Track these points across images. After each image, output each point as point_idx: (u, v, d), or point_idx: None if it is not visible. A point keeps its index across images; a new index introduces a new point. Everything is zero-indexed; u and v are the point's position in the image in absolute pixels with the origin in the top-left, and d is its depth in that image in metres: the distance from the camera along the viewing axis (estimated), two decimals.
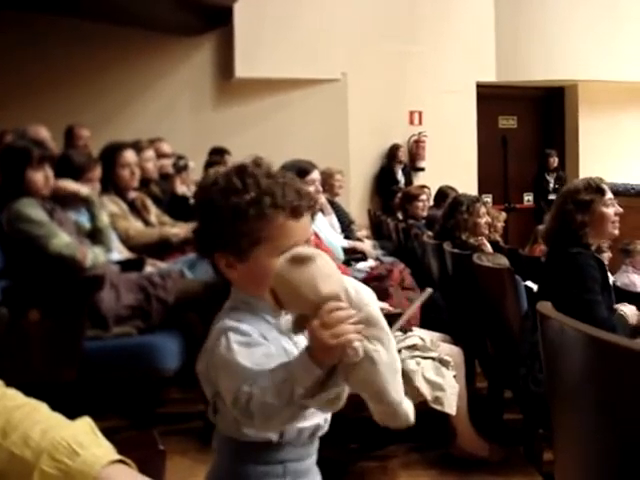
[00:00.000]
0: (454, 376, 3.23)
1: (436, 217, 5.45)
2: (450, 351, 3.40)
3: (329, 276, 1.27)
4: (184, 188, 5.64)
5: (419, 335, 3.29)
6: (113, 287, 3.44)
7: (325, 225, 5.42)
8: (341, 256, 4.82)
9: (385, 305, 2.91)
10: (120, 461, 1.03)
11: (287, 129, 9.21)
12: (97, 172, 4.01)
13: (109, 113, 8.67)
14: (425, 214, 6.68)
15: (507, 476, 3.21)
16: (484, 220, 4.84)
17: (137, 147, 4.72)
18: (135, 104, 9.07)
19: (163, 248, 4.38)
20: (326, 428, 1.49)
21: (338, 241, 5.41)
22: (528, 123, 11.32)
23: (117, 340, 3.38)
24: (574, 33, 10.12)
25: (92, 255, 3.50)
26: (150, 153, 5.16)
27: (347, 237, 6.23)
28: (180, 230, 4.51)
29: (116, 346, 3.37)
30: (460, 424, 3.33)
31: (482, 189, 10.04)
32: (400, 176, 9.99)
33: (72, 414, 1.11)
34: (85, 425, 1.06)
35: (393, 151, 10.02)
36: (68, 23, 8.59)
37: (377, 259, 5.32)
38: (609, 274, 3.30)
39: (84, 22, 8.63)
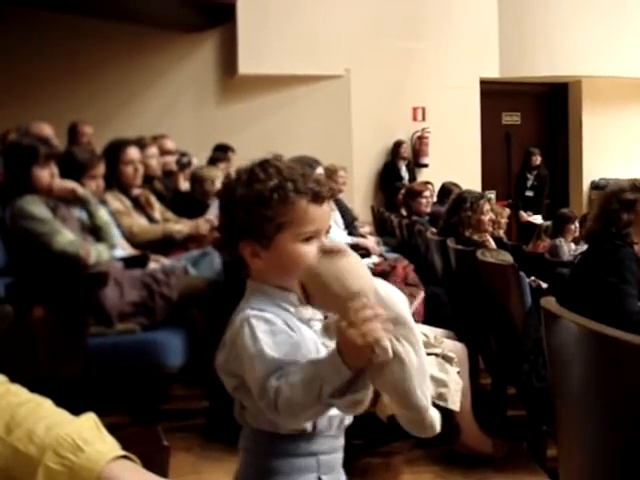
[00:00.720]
0: (458, 372, 3.23)
1: (440, 213, 5.45)
2: (454, 347, 3.40)
3: (359, 274, 1.28)
4: (187, 185, 5.65)
5: (422, 331, 3.28)
6: (117, 284, 3.44)
7: None
8: None
9: None
10: (124, 457, 1.03)
11: (290, 125, 9.21)
12: (101, 169, 4.01)
13: (112, 110, 8.68)
14: (429, 210, 6.68)
15: (511, 472, 3.21)
16: (488, 217, 4.83)
17: (140, 144, 4.72)
18: (138, 101, 9.07)
19: (167, 245, 4.38)
20: (351, 419, 1.50)
21: (341, 238, 5.40)
22: (532, 119, 11.30)
23: (121, 337, 3.38)
24: (577, 29, 10.09)
25: (96, 252, 3.51)
26: (153, 150, 5.16)
27: (350, 234, 6.22)
28: (184, 227, 4.52)
29: (120, 343, 3.37)
30: (464, 420, 3.32)
31: (486, 185, 10.03)
32: (404, 172, 9.98)
33: (76, 410, 1.11)
34: (89, 421, 1.06)
35: (396, 147, 10.01)
36: (70, 20, 8.60)
37: (381, 255, 5.31)
38: None
39: (86, 19, 8.64)
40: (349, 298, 1.24)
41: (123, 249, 4.00)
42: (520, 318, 3.28)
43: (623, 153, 10.65)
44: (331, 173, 6.66)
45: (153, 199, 4.71)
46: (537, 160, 10.32)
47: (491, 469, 3.23)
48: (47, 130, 5.24)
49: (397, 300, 1.34)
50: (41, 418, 1.06)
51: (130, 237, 4.20)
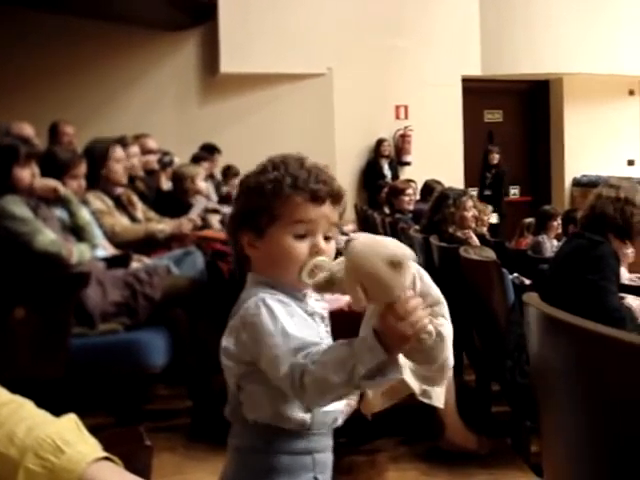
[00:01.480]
0: None
1: (422, 211, 5.45)
2: None
3: (403, 254, 1.34)
4: (170, 184, 5.63)
5: None
6: (99, 284, 3.42)
7: None
8: None
9: None
10: (106, 458, 1.02)
11: (273, 124, 9.21)
12: (82, 168, 3.98)
13: (94, 109, 8.64)
14: (411, 208, 6.69)
15: (495, 468, 3.22)
16: (471, 213, 4.85)
17: (122, 143, 4.69)
18: (120, 100, 9.03)
19: (149, 244, 4.36)
20: (343, 419, 1.52)
21: None
22: (514, 117, 11.35)
23: (103, 337, 3.36)
24: (559, 26, 10.15)
25: (78, 252, 3.48)
26: (135, 149, 5.14)
27: None
28: (166, 226, 4.50)
29: (102, 343, 3.35)
30: (448, 417, 3.33)
31: (468, 183, 10.06)
32: (386, 170, 10.00)
33: (59, 411, 1.10)
34: (70, 422, 1.06)
35: (379, 145, 10.03)
36: (51, 19, 8.55)
37: None
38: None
39: (67, 18, 8.59)
40: (402, 291, 1.28)
41: (105, 249, 3.98)
42: (503, 314, 3.29)
43: (605, 150, 10.72)
44: None
45: (135, 198, 4.69)
46: (495, 158, 10.27)
47: (475, 465, 3.24)
48: (28, 130, 5.20)
49: (428, 281, 1.43)
50: (22, 419, 1.05)
51: (112, 237, 4.18)
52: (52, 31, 8.63)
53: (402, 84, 10.02)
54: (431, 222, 4.80)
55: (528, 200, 11.11)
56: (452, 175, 9.25)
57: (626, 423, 0.94)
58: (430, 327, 1.30)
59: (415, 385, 3.15)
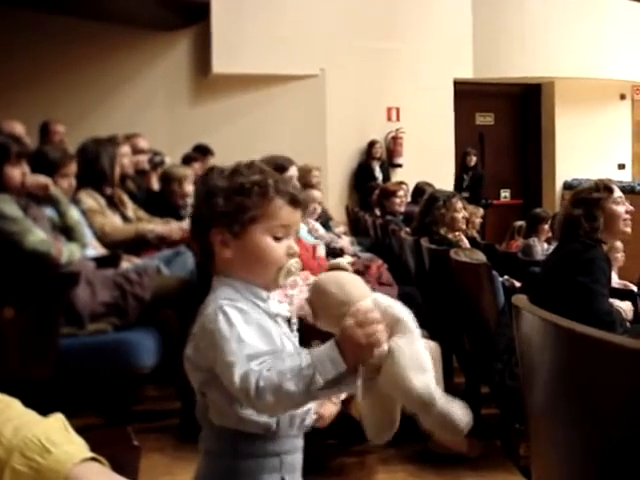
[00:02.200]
0: None
1: (413, 213, 5.46)
2: (427, 346, 3.40)
3: (358, 283, 1.43)
4: (159, 184, 5.61)
5: None
6: (88, 284, 3.40)
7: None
8: (322, 252, 4.81)
9: None
10: (93, 459, 1.01)
11: (264, 125, 9.19)
12: (72, 167, 3.97)
13: (85, 109, 8.61)
14: (402, 210, 6.69)
15: (484, 470, 3.22)
16: (461, 215, 4.85)
17: (113, 142, 4.68)
18: (111, 100, 9.01)
19: (139, 244, 4.35)
20: (312, 419, 1.53)
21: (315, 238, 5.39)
22: (505, 120, 11.37)
23: (92, 337, 3.35)
24: (551, 30, 10.18)
25: (67, 251, 3.47)
26: (126, 149, 5.12)
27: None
28: (156, 226, 4.49)
29: (91, 343, 3.34)
30: None
31: (459, 185, 10.07)
32: (378, 172, 10.00)
33: (48, 412, 1.09)
34: (57, 422, 1.05)
35: (371, 147, 10.03)
36: (43, 18, 8.52)
37: (355, 255, 5.31)
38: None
39: (59, 17, 8.57)
40: (353, 303, 1.35)
41: (95, 249, 3.97)
42: (493, 317, 3.30)
43: (595, 153, 10.76)
44: (305, 173, 6.64)
45: (125, 198, 4.68)
46: (472, 161, 10.25)
47: (465, 468, 3.24)
48: (19, 129, 5.20)
49: (392, 303, 1.43)
50: (9, 419, 1.04)
51: (102, 237, 4.17)
52: (43, 31, 8.60)
53: (394, 86, 10.03)
54: (422, 224, 4.81)
55: (519, 203, 11.14)
56: (443, 178, 9.25)
57: (615, 425, 0.94)
58: (385, 346, 1.34)
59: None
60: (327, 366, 1.30)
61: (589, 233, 3.15)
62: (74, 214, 3.78)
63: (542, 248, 6.47)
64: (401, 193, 6.86)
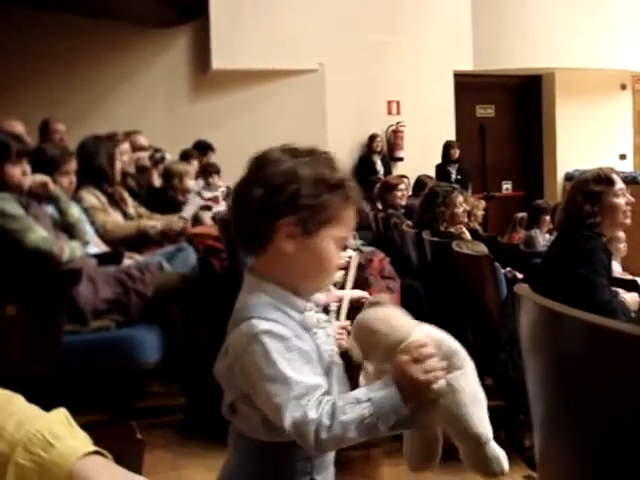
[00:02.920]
0: None
1: (415, 206, 5.45)
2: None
3: (403, 318, 1.35)
4: (161, 181, 5.62)
5: None
6: (91, 281, 3.41)
7: None
8: None
9: (365, 294, 2.90)
10: (96, 452, 1.01)
11: (264, 120, 9.18)
12: (72, 165, 3.97)
13: (85, 107, 8.61)
14: (404, 203, 6.69)
15: None
16: (462, 209, 4.84)
17: (113, 140, 4.68)
18: (111, 98, 9.00)
19: (141, 241, 4.35)
20: None
21: None
22: (506, 112, 11.34)
23: (95, 334, 3.35)
24: (551, 21, 10.14)
25: (69, 249, 3.47)
26: (126, 146, 5.13)
27: None
28: (157, 222, 4.49)
29: (95, 340, 3.34)
30: None
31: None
32: (379, 166, 9.98)
33: (51, 409, 1.09)
34: (60, 416, 1.05)
35: (371, 141, 10.01)
36: (42, 16, 8.51)
37: (357, 249, 5.31)
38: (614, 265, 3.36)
39: (58, 15, 8.55)
40: (402, 340, 1.30)
41: (96, 246, 3.97)
42: (496, 309, 3.30)
43: (597, 145, 10.73)
44: None
45: (126, 195, 4.68)
46: (456, 153, 10.04)
47: None
48: (18, 128, 5.19)
49: (443, 335, 1.38)
50: (12, 414, 1.04)
51: (104, 234, 4.17)
52: (42, 29, 8.59)
53: (394, 80, 10.01)
54: (422, 220, 4.80)
55: (520, 195, 11.12)
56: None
57: (620, 415, 0.94)
58: (442, 380, 1.30)
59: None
60: (390, 415, 1.27)
61: (590, 223, 3.15)
62: (74, 211, 3.78)
63: (544, 239, 6.46)
64: (402, 186, 6.86)
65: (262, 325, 1.30)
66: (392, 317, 1.35)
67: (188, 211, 4.76)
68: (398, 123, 10.16)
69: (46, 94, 8.42)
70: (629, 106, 11.29)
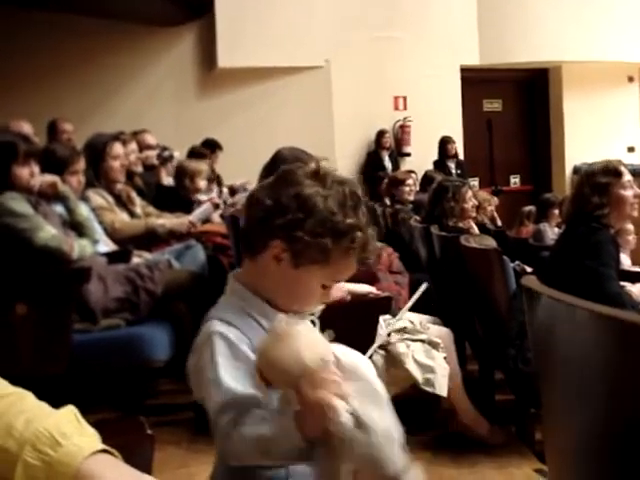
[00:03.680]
0: (444, 358, 3.24)
1: (423, 201, 5.45)
2: (439, 333, 3.41)
3: (315, 346, 1.20)
4: (170, 179, 5.62)
5: (408, 318, 3.28)
6: (100, 279, 3.42)
7: None
8: None
9: (373, 289, 2.90)
10: (104, 450, 1.01)
11: (271, 118, 9.18)
12: (81, 164, 3.98)
13: (92, 106, 8.62)
14: (412, 198, 6.68)
15: (500, 456, 3.22)
16: (471, 204, 4.83)
17: (120, 139, 4.68)
18: (117, 96, 9.01)
19: (150, 239, 4.36)
20: None
21: None
22: (513, 106, 11.31)
23: (106, 332, 3.36)
24: (557, 14, 10.10)
25: (79, 247, 3.48)
26: (133, 146, 5.13)
27: None
28: (166, 221, 4.49)
29: (105, 338, 3.35)
30: (459, 401, 3.34)
31: (468, 172, 10.03)
32: (387, 162, 9.97)
33: (61, 407, 1.09)
34: (69, 414, 1.05)
35: (379, 137, 9.99)
36: (48, 16, 8.52)
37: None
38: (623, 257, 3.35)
39: (64, 15, 8.56)
40: (305, 371, 1.17)
41: (106, 245, 3.98)
42: (505, 302, 3.29)
43: (605, 137, 10.68)
44: None
45: (133, 194, 4.68)
46: (453, 148, 10.00)
47: (481, 453, 3.24)
48: (26, 128, 5.21)
49: (360, 364, 1.25)
50: (22, 412, 1.04)
51: (112, 233, 4.18)
52: (48, 29, 8.60)
53: (400, 75, 9.98)
54: (431, 215, 4.79)
55: (529, 189, 11.09)
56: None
57: (630, 408, 0.93)
58: (342, 415, 1.15)
59: (418, 374, 3.16)
60: (281, 441, 1.20)
61: (597, 215, 3.14)
62: (83, 210, 3.79)
63: (553, 233, 6.45)
64: (410, 182, 6.85)
65: (218, 327, 1.31)
66: (296, 341, 1.19)
67: (197, 216, 4.72)
68: (405, 119, 10.13)
69: (53, 94, 8.43)
70: (636, 98, 11.24)
